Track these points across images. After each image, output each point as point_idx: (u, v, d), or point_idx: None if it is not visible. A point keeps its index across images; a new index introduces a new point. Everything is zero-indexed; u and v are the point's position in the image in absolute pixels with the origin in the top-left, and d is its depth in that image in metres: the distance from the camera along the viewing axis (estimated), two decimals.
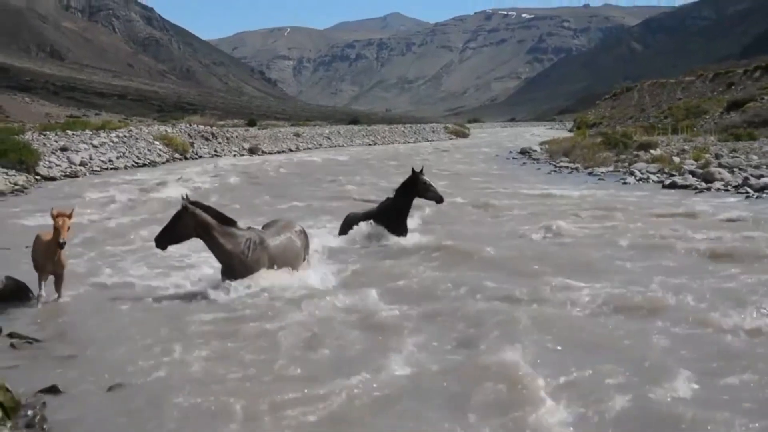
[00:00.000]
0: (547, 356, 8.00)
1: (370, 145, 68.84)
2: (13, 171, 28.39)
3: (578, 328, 9.13)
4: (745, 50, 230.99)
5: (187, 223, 10.67)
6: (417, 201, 15.99)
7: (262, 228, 11.97)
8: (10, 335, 9.55)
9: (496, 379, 7.14)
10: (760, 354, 7.84)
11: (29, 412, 6.50)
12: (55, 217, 10.39)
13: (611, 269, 12.31)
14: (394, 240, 15.16)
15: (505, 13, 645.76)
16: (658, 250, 14.24)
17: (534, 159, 46.42)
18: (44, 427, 6.22)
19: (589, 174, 33.62)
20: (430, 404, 6.69)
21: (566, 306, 10.04)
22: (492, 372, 7.30)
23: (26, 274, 11.13)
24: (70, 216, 10.53)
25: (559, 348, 8.18)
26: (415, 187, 14.85)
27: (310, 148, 62.42)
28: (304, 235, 12.05)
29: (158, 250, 11.38)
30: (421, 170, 15.50)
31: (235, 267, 10.61)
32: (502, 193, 26.83)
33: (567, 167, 38.16)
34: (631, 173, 31.71)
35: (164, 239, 10.97)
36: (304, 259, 11.94)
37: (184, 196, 11.15)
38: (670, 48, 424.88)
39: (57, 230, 10.36)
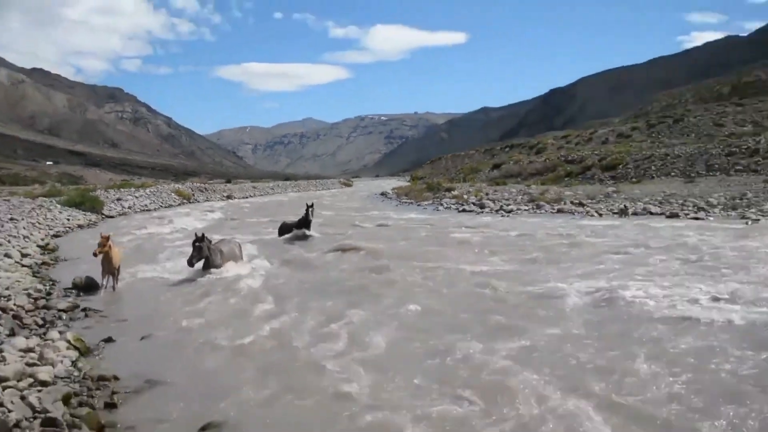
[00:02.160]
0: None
1: (296, 191, 79.14)
2: (89, 212, 32.58)
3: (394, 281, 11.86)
4: (501, 136, 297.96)
5: (203, 248, 13.64)
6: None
7: (219, 242, 14.75)
8: (84, 309, 10.79)
9: (345, 324, 9.51)
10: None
11: (95, 352, 8.20)
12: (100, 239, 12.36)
13: (420, 249, 15.82)
14: (305, 234, 21.10)
15: (372, 116, 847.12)
16: (449, 242, 18.44)
17: (389, 198, 54.83)
18: (103, 357, 8.04)
19: (418, 205, 40.86)
20: (302, 330, 8.78)
21: (398, 272, 12.99)
22: (342, 320, 9.75)
23: (97, 273, 12.71)
24: (106, 238, 12.40)
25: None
26: (309, 210, 21.26)
27: (262, 195, 71.15)
28: (239, 246, 15.29)
29: (186, 265, 13.79)
30: (312, 204, 21.91)
31: (212, 263, 13.69)
32: (367, 215, 32.12)
33: (407, 202, 45.80)
34: (441, 204, 38.26)
35: (194, 260, 13.54)
36: (241, 258, 14.99)
37: (198, 235, 13.88)
38: (463, 136, 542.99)
39: (99, 246, 12.18)
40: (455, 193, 43.06)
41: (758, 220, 20.37)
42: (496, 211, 31.02)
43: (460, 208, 34.00)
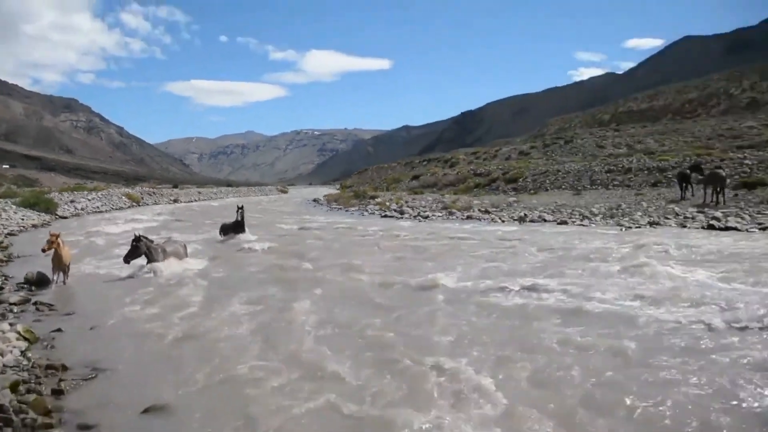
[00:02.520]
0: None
1: (237, 197, 76.49)
2: (44, 213, 31.43)
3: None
4: (420, 151, 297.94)
5: (140, 247, 13.19)
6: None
7: (165, 242, 14.52)
8: (35, 303, 10.34)
9: (268, 311, 9.41)
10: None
11: (44, 342, 7.85)
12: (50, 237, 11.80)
13: (336, 249, 15.49)
14: (242, 237, 20.31)
15: (307, 131, 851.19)
16: (362, 243, 18.27)
17: (320, 204, 53.97)
18: (53, 347, 7.67)
19: (346, 211, 40.47)
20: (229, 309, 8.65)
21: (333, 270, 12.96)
22: (265, 307, 9.62)
23: (48, 269, 12.22)
24: (56, 236, 11.99)
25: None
26: (239, 212, 20.67)
27: (206, 199, 69.58)
28: (184, 246, 14.98)
29: (124, 263, 13.41)
30: (242, 206, 21.41)
31: (155, 261, 13.28)
32: (299, 218, 31.39)
33: (336, 207, 45.16)
34: (366, 210, 37.95)
35: (129, 258, 13.19)
36: (186, 256, 14.71)
37: (136, 235, 13.49)
38: (387, 150, 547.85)
39: (48, 243, 11.74)
40: (379, 200, 43.09)
41: (630, 227, 21.20)
42: (414, 216, 31.11)
43: (383, 214, 33.99)
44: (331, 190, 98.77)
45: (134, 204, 50.43)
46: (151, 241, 13.71)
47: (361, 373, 6.60)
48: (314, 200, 60.49)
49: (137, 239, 13.26)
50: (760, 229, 18.47)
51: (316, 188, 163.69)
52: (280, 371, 6.70)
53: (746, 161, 32.30)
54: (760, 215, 20.55)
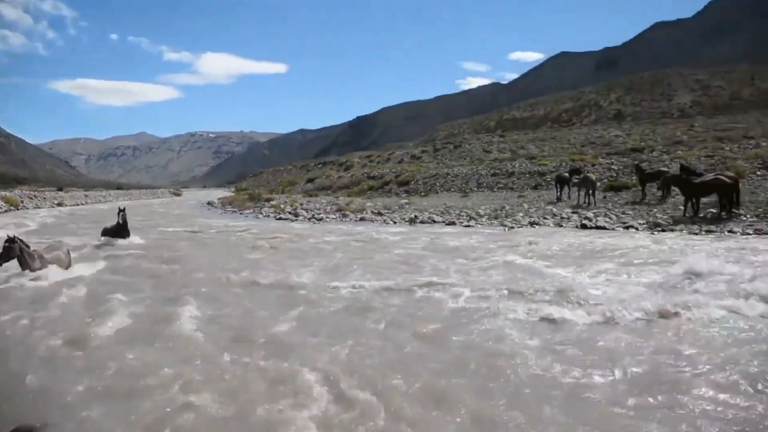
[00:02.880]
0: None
1: (128, 200, 73.00)
2: None
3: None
4: (316, 154, 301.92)
5: (13, 249, 12.12)
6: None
7: (45, 247, 13.55)
8: None
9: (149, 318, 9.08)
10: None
11: None
12: None
13: (218, 251, 15.51)
14: (124, 241, 19.20)
15: (202, 133, 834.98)
16: (244, 244, 17.89)
17: (215, 206, 52.21)
18: None
19: (241, 213, 39.32)
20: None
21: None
22: (151, 315, 9.28)
23: None
24: None
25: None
26: (121, 214, 19.36)
27: (94, 203, 65.64)
28: (68, 252, 13.94)
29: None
30: (123, 209, 20.01)
31: (31, 267, 12.26)
32: (192, 222, 30.52)
33: (230, 210, 43.92)
34: (261, 213, 37.26)
35: (1, 260, 11.94)
36: (68, 262, 13.70)
37: (10, 236, 12.36)
38: (283, 153, 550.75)
39: None
40: (274, 203, 42.62)
41: (513, 227, 22.30)
42: (309, 219, 30.94)
43: (278, 216, 33.59)
44: (227, 192, 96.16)
45: (12, 208, 46.85)
46: (28, 246, 12.55)
47: (235, 374, 6.62)
48: (208, 203, 58.68)
49: (11, 240, 12.07)
50: (624, 227, 20.00)
51: (211, 191, 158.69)
52: (169, 391, 6.54)
53: (613, 166, 34.95)
54: (624, 215, 22.30)
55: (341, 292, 10.69)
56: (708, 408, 5.40)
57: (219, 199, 63.46)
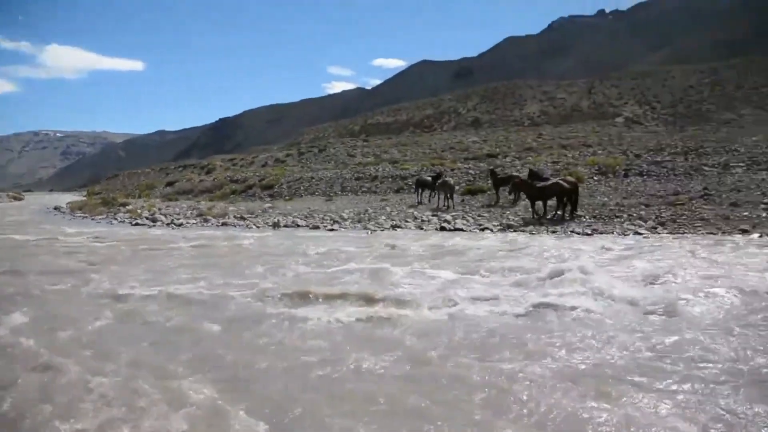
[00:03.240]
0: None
1: None
2: None
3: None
4: (175, 157, 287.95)
5: None
6: None
7: None
8: None
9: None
10: None
11: None
12: None
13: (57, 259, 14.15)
14: None
15: (47, 132, 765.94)
16: (93, 252, 16.47)
17: (62, 212, 47.49)
18: None
19: (92, 219, 36.57)
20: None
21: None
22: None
23: None
24: None
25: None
26: None
27: None
28: None
29: None
30: None
31: None
32: (34, 229, 27.61)
33: (80, 216, 40.58)
34: (116, 218, 34.87)
35: None
36: None
37: None
38: (140, 155, 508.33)
39: None
40: (130, 207, 40.22)
41: (375, 230, 22.60)
42: (168, 224, 29.36)
43: (134, 222, 31.61)
44: (77, 197, 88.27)
45: None
46: None
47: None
48: (55, 208, 53.52)
49: None
50: (480, 229, 20.98)
51: (60, 195, 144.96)
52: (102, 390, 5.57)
53: (470, 171, 36.66)
54: (480, 218, 23.40)
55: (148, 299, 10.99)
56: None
57: (68, 203, 58.08)
